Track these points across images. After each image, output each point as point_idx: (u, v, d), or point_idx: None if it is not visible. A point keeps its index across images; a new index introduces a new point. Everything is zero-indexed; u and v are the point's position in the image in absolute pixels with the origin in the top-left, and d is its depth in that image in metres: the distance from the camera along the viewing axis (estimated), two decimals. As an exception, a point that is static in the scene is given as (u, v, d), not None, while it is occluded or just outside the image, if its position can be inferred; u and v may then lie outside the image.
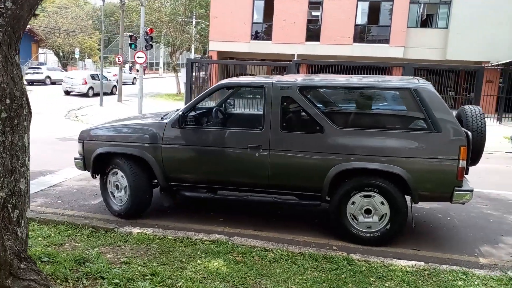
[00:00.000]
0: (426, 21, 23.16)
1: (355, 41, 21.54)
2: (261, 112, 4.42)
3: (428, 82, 4.24)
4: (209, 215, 5.01)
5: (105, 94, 20.45)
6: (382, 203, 4.17)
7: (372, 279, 3.39)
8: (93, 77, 24.35)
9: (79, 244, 3.94)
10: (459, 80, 16.81)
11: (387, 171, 4.07)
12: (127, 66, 37.21)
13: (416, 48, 21.15)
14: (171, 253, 3.76)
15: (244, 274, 3.36)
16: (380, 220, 4.21)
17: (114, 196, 4.86)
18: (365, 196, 4.20)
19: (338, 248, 4.18)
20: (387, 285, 3.30)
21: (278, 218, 4.99)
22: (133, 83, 34.30)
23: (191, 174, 4.60)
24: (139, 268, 3.35)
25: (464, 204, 4.41)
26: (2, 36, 2.52)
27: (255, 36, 23.18)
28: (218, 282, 3.19)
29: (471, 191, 4.05)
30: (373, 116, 4.45)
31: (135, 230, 4.24)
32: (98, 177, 4.95)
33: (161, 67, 55.13)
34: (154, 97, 24.11)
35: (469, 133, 4.06)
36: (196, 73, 19.48)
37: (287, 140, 4.29)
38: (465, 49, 20.24)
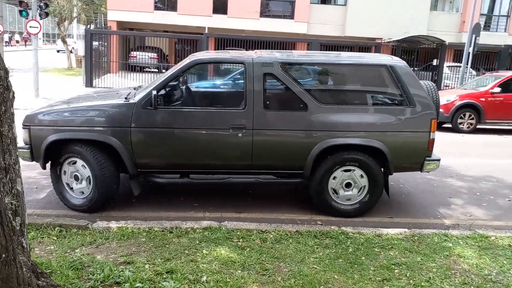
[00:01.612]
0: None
1: (262, 15, 21.71)
2: (238, 89, 4.23)
3: (401, 60, 4.46)
4: (181, 200, 4.72)
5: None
6: (362, 176, 4.35)
7: (376, 249, 3.55)
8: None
9: (53, 247, 3.40)
10: (360, 55, 18.06)
11: (368, 145, 4.24)
12: (6, 36, 32.52)
13: (318, 24, 22.13)
14: (167, 246, 3.46)
15: (258, 260, 3.25)
16: (359, 192, 4.40)
17: (71, 188, 4.27)
18: (346, 171, 4.33)
19: (323, 222, 4.29)
20: (391, 253, 3.49)
21: (254, 198, 4.91)
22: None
23: (166, 159, 4.24)
24: (146, 266, 3.02)
25: (429, 172, 4.81)
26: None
27: (159, 7, 21.94)
28: (239, 271, 3.04)
29: (439, 160, 4.44)
30: (352, 93, 4.56)
31: (114, 225, 3.80)
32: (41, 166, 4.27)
33: (40, 38, 49.33)
34: (43, 72, 21.53)
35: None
36: (95, 45, 17.89)
37: (270, 119, 4.18)
38: (361, 26, 21.77)
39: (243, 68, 4.17)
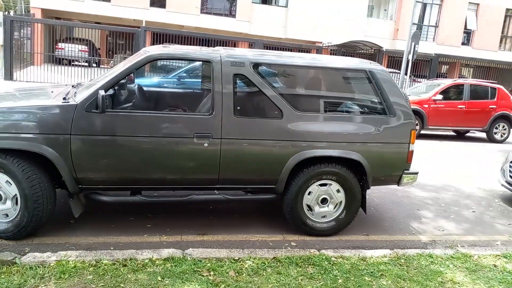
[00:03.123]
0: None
1: (203, 11, 20.96)
2: (201, 91, 3.64)
3: (380, 65, 4.14)
4: (130, 221, 3.99)
5: None
6: (338, 191, 3.96)
7: (367, 278, 3.15)
8: None
9: (-34, 295, 2.57)
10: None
11: (346, 157, 3.86)
12: None
13: (261, 24, 21.88)
14: (122, 285, 2.78)
15: (238, 300, 2.70)
16: (335, 208, 4.00)
17: (-10, 210, 3.39)
18: (322, 185, 3.91)
19: (297, 243, 3.83)
20: (384, 283, 3.11)
21: (216, 216, 4.31)
22: None
23: (116, 173, 3.50)
24: (99, 320, 2.34)
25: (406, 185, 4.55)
26: None
27: (90, -4, 20.33)
28: (219, 320, 2.46)
29: (417, 173, 4.18)
30: (330, 99, 4.13)
31: (51, 258, 3.02)
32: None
33: None
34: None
35: None
36: (16, 34, 16.05)
37: (241, 127, 3.63)
38: (302, 28, 21.89)
39: (204, 67, 3.58)
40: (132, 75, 3.99)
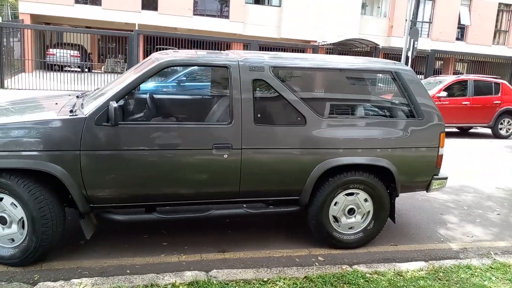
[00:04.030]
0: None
1: (196, 13, 20.66)
2: (219, 98, 3.38)
3: (405, 65, 3.91)
4: (145, 239, 3.72)
5: None
6: (366, 200, 3.72)
7: (409, 297, 2.92)
8: None
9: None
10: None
11: (375, 164, 3.62)
12: None
13: (255, 24, 21.63)
14: (146, 317, 2.51)
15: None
16: (363, 219, 3.76)
17: (-5, 235, 3.10)
18: (348, 194, 3.68)
19: (324, 258, 3.59)
20: (429, 302, 2.88)
21: (234, 230, 4.05)
22: None
23: (128, 190, 3.22)
24: None
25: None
26: None
27: (80, 0, 19.91)
28: None
29: (446, 178, 3.95)
30: (355, 102, 3.89)
31: (65, 289, 2.74)
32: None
33: None
34: None
35: None
36: (6, 41, 15.64)
37: (263, 136, 3.37)
38: (296, 28, 21.68)
39: (220, 72, 3.32)
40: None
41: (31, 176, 3.01)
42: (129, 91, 3.22)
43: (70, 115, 3.11)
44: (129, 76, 3.38)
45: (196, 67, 4.51)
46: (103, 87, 3.78)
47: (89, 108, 3.16)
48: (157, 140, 3.18)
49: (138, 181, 3.21)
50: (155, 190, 3.27)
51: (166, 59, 3.32)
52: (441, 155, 3.83)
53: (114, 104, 3.00)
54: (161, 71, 3.31)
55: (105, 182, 3.15)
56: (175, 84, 6.49)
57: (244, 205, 3.59)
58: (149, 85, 5.11)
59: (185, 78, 7.08)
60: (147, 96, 3.70)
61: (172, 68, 4.00)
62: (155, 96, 4.03)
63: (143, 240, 3.71)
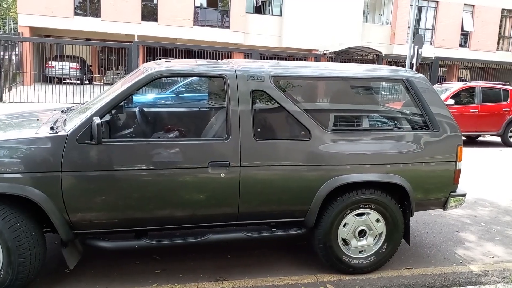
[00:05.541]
0: (264, 8, 23.50)
1: (196, 24, 20.51)
2: (211, 112, 3.08)
3: (417, 72, 3.60)
4: (136, 266, 3.40)
5: None
6: (378, 221, 3.39)
7: (431, 334, 2.58)
8: None
9: None
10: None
11: (387, 181, 3.30)
12: None
13: (255, 34, 21.45)
14: None
15: None
16: (374, 241, 3.43)
17: (-34, 267, 2.79)
18: (359, 215, 3.35)
19: (333, 285, 3.26)
20: None
21: (232, 255, 3.72)
22: None
23: (115, 214, 2.91)
24: None
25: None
26: None
27: (79, 13, 19.80)
28: None
29: (465, 195, 3.62)
30: (363, 113, 3.58)
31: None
32: None
33: None
34: None
35: None
36: (4, 54, 15.50)
37: (263, 152, 3.07)
38: (297, 37, 21.49)
39: (216, 83, 3.03)
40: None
41: (5, 201, 2.71)
42: (115, 105, 2.92)
43: (50, 133, 2.81)
44: (116, 89, 3.08)
45: (191, 77, 4.22)
46: (91, 100, 3.50)
47: (71, 125, 2.87)
48: (145, 159, 2.88)
49: (125, 204, 2.90)
50: (144, 213, 2.96)
51: (156, 69, 3.03)
52: (459, 170, 3.50)
53: (97, 120, 2.71)
54: (151, 83, 3.02)
55: (89, 206, 2.85)
56: (168, 96, 6.20)
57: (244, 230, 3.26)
58: (141, 97, 4.84)
59: (184, 89, 6.81)
60: (136, 109, 3.40)
61: (170, 78, 3.71)
62: (146, 109, 3.74)
63: (134, 267, 3.38)
